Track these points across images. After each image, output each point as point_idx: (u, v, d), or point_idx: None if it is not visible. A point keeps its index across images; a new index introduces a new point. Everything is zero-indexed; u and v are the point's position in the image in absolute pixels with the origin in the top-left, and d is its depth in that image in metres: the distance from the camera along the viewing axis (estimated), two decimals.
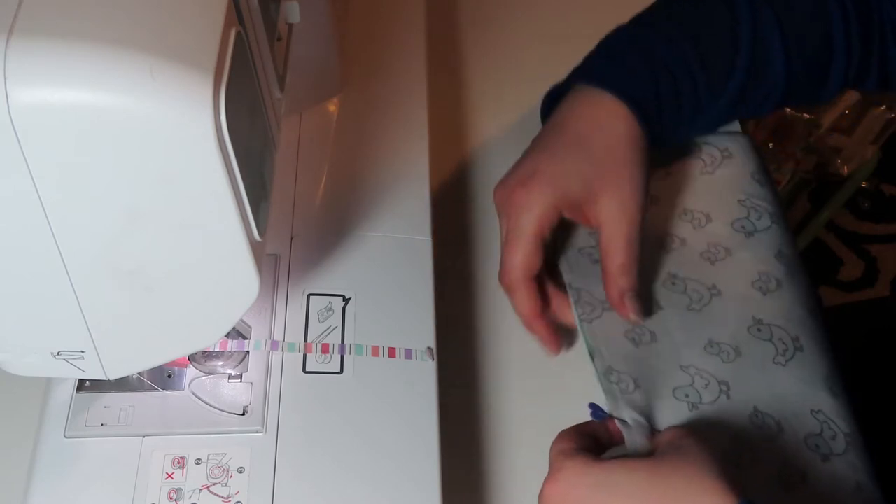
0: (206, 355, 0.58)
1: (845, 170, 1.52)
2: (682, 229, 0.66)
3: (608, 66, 0.64)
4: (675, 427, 0.55)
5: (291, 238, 0.64)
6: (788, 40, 0.64)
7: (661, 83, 0.62)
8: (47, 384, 0.57)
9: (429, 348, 0.61)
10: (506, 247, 0.61)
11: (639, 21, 0.66)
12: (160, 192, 0.40)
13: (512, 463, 0.63)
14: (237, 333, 0.59)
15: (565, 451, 0.50)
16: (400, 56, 0.77)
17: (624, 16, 0.67)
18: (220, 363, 0.58)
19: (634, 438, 0.54)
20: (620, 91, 0.61)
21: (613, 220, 0.60)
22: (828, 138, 1.47)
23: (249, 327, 0.59)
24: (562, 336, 0.63)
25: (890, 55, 0.67)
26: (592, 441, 0.53)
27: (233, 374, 0.58)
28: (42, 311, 0.45)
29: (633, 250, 0.60)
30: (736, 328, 0.61)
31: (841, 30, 0.65)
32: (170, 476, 0.54)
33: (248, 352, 0.58)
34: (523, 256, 0.59)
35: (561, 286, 0.64)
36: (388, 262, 0.64)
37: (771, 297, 0.62)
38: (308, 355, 0.59)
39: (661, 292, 0.63)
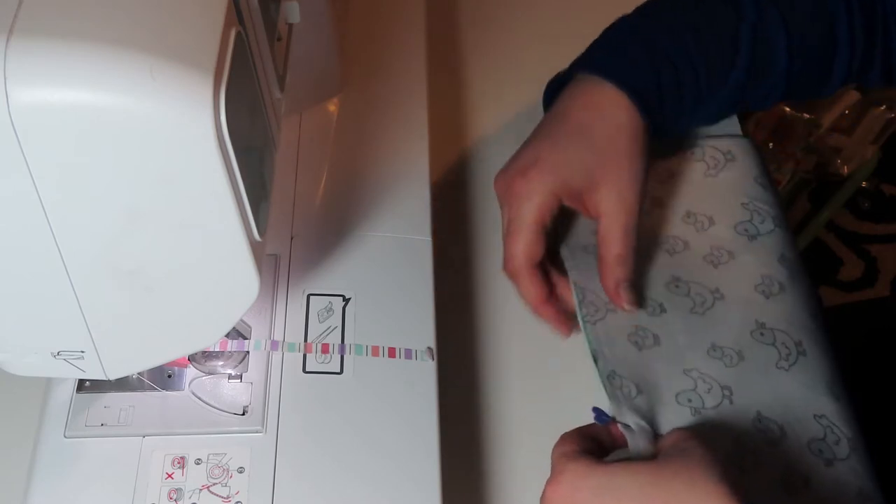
0: (206, 355, 0.58)
1: (845, 170, 1.51)
2: (686, 232, 0.66)
3: (610, 56, 0.64)
4: (679, 429, 0.55)
5: (291, 238, 0.64)
6: (793, 39, 0.64)
7: (662, 74, 0.62)
8: (47, 384, 0.57)
9: (429, 348, 0.61)
10: (508, 236, 0.61)
11: (641, 12, 0.66)
12: (160, 192, 0.40)
13: (512, 463, 0.63)
14: (237, 333, 0.59)
15: (568, 453, 0.50)
16: (400, 56, 0.77)
17: None
18: (220, 363, 0.58)
19: (637, 442, 0.54)
20: (622, 81, 0.61)
21: (612, 211, 0.60)
22: (828, 138, 1.46)
23: (249, 327, 0.59)
24: (571, 319, 0.63)
25: (893, 47, 0.67)
26: (595, 444, 0.53)
27: (233, 374, 0.58)
28: (42, 311, 0.45)
29: (630, 241, 0.60)
30: (739, 332, 0.61)
31: (844, 22, 0.65)
32: (170, 476, 0.54)
33: (248, 352, 0.58)
34: (525, 245, 0.60)
35: (564, 272, 0.64)
36: (388, 262, 0.64)
37: (774, 300, 0.62)
38: (308, 355, 0.59)
39: (665, 295, 0.63)
